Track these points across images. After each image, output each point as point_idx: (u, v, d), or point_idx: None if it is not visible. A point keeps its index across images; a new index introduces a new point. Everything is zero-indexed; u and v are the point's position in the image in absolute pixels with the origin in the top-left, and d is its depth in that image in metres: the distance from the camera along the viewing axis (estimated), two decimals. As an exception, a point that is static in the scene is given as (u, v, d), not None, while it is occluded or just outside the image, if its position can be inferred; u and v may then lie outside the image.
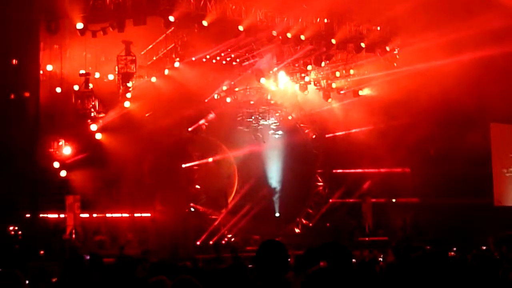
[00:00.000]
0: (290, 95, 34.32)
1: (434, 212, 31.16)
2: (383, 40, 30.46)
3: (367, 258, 17.83)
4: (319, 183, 35.39)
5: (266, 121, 34.48)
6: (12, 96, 25.05)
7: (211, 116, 32.34)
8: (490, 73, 28.22)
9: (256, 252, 6.32)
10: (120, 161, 28.97)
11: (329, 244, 6.25)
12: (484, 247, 23.58)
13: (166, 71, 29.07)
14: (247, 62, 32.33)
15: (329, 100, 33.93)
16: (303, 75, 33.38)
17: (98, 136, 28.19)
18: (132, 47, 27.85)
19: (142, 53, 29.51)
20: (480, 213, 29.86)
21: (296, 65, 32.55)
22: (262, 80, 32.08)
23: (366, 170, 34.35)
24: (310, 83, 33.51)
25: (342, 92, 33.82)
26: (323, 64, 31.79)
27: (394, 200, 34.41)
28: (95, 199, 28.48)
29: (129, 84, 28.36)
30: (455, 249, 23.14)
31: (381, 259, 18.61)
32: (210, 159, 32.91)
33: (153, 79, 29.48)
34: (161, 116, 29.96)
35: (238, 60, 32.16)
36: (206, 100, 32.14)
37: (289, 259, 6.59)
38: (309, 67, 32.09)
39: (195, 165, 32.17)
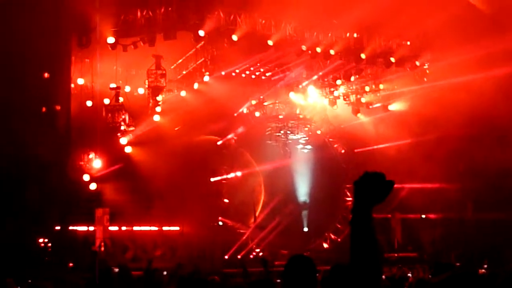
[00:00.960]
0: (319, 110, 34.35)
1: (464, 228, 30.84)
2: (413, 55, 30.36)
3: (396, 275, 17.71)
4: (348, 198, 35.10)
5: (295, 135, 34.51)
6: (44, 110, 25.24)
7: (240, 130, 32.47)
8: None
9: (285, 267, 6.29)
10: (149, 174, 29.05)
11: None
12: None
13: (196, 85, 29.24)
14: (276, 77, 32.45)
15: (359, 114, 33.79)
16: (332, 89, 33.38)
17: (128, 149, 28.40)
18: (162, 61, 28.05)
19: (172, 67, 29.80)
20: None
21: (326, 79, 32.59)
22: (291, 94, 32.22)
23: (395, 185, 34.04)
24: (340, 98, 33.53)
25: (371, 106, 33.72)
26: (352, 78, 31.78)
27: (423, 216, 34.10)
28: (124, 212, 28.54)
29: (159, 98, 28.52)
30: (485, 266, 22.87)
31: (410, 275, 18.47)
32: (239, 173, 32.95)
33: (183, 93, 29.67)
34: (190, 130, 30.26)
35: (267, 74, 32.29)
36: (235, 114, 32.36)
37: (317, 275, 6.56)
38: (339, 82, 32.14)
39: (223, 179, 32.30)
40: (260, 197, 34.35)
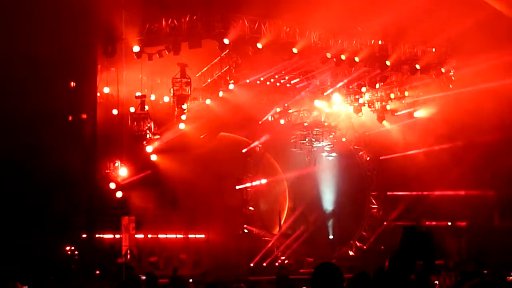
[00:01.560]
0: (344, 117, 34.35)
1: (490, 235, 30.58)
2: (438, 62, 30.16)
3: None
4: (373, 206, 35.06)
5: (320, 143, 34.28)
6: (70, 118, 25.51)
7: (265, 137, 32.61)
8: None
9: (312, 275, 6.30)
10: (175, 182, 29.42)
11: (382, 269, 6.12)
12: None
13: (221, 93, 29.38)
14: (301, 84, 32.53)
15: (384, 122, 33.67)
16: (357, 96, 33.31)
17: (154, 157, 28.56)
18: (187, 70, 28.02)
19: (197, 75, 29.91)
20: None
21: (350, 87, 32.52)
22: (316, 102, 32.23)
23: (421, 193, 33.90)
24: (365, 105, 33.43)
25: (397, 114, 33.52)
26: (377, 86, 31.66)
27: (449, 223, 33.87)
28: (150, 220, 28.79)
29: (184, 106, 28.50)
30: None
31: (437, 282, 18.33)
32: (264, 181, 32.99)
33: (208, 101, 29.83)
34: (215, 137, 30.31)
35: (292, 82, 32.36)
36: (260, 122, 32.54)
37: (344, 282, 6.55)
38: (363, 89, 32.06)
39: (249, 187, 32.34)
40: (285, 205, 34.35)
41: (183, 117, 28.82)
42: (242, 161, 32.35)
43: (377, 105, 33.44)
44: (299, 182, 33.92)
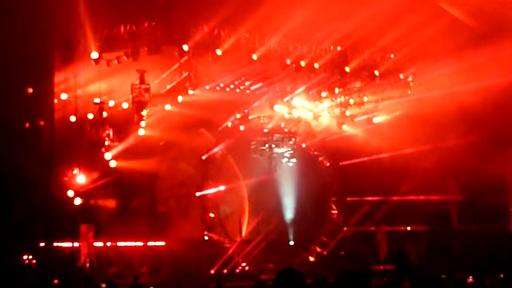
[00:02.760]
0: (304, 123, 34.43)
1: (449, 240, 31.00)
2: (397, 68, 30.55)
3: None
4: (333, 211, 35.14)
5: (280, 149, 34.43)
6: (27, 125, 25.23)
7: (225, 144, 32.53)
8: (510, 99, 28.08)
9: (274, 281, 6.35)
10: (134, 189, 29.42)
11: (348, 274, 6.20)
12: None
13: (180, 99, 29.11)
14: (261, 90, 32.54)
15: (344, 127, 33.86)
16: (316, 102, 33.49)
17: (113, 164, 28.32)
18: (146, 76, 27.94)
19: (156, 81, 29.60)
20: (497, 241, 29.56)
21: (310, 92, 32.63)
22: (276, 107, 32.26)
23: (381, 198, 34.19)
24: (324, 111, 33.63)
25: (356, 119, 33.70)
26: (336, 91, 31.90)
27: (408, 228, 34.22)
28: (109, 227, 28.67)
29: (143, 113, 28.39)
30: (471, 277, 23.01)
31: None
32: (223, 187, 32.84)
33: (167, 107, 29.56)
34: (175, 144, 30.36)
35: (252, 88, 32.35)
36: (220, 128, 32.40)
37: (305, 288, 6.61)
38: (323, 94, 32.23)
39: (209, 193, 32.18)
40: (246, 211, 34.28)
41: (143, 123, 28.62)
42: (203, 168, 32.18)
43: (337, 111, 33.59)
44: (260, 188, 33.88)
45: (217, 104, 30.85)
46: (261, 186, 33.90)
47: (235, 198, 33.99)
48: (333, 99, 33.18)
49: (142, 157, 29.00)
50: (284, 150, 34.85)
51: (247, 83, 31.84)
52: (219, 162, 32.84)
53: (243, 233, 33.59)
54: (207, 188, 32.05)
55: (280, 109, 32.69)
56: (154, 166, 30.11)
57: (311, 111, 33.78)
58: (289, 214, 35.01)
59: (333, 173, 35.32)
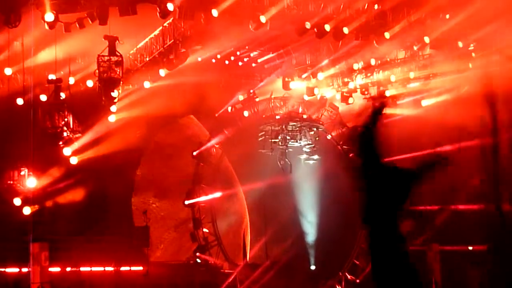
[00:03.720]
0: (329, 107, 34.82)
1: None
2: (454, 34, 30.30)
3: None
4: None
5: (297, 142, 34.54)
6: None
7: (223, 136, 32.91)
8: None
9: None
10: (103, 195, 29.93)
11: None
12: None
13: (162, 73, 29.11)
14: (271, 64, 32.53)
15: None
16: (346, 80, 33.47)
17: (74, 161, 28.48)
18: (118, 45, 27.85)
19: (131, 52, 29.84)
20: None
21: (337, 66, 32.54)
22: (292, 86, 32.25)
23: (433, 207, 34.15)
24: (356, 91, 33.58)
25: (399, 102, 33.78)
26: (373, 63, 31.78)
27: (470, 248, 34.20)
28: (70, 246, 28.75)
29: (114, 94, 28.41)
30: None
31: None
32: (219, 194, 33.12)
33: (146, 85, 29.67)
34: (156, 136, 31.12)
35: (259, 61, 32.53)
36: (216, 115, 32.75)
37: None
38: (355, 67, 32.12)
39: (202, 202, 32.42)
40: (251, 226, 34.73)
41: (113, 107, 28.99)
42: (193, 167, 32.43)
43: (373, 90, 33.48)
44: (270, 195, 34.10)
45: (212, 82, 31.31)
46: (272, 192, 34.07)
47: (237, 208, 34.46)
48: (368, 75, 33.16)
49: (113, 153, 29.42)
50: (302, 144, 35.01)
51: (253, 54, 31.97)
52: (215, 160, 33.17)
53: (248, 255, 33.79)
54: (199, 195, 32.38)
55: (297, 87, 32.85)
56: (128, 165, 30.75)
57: (339, 90, 33.85)
58: (309, 229, 35.44)
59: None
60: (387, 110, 8.00)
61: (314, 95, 33.84)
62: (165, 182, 31.99)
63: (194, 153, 32.23)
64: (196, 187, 32.37)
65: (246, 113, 33.55)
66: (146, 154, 32.06)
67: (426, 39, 29.79)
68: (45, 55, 27.91)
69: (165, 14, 25.40)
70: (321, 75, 32.55)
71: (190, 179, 32.56)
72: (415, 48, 30.91)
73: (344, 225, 34.55)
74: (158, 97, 30.38)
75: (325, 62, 31.97)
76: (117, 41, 27.74)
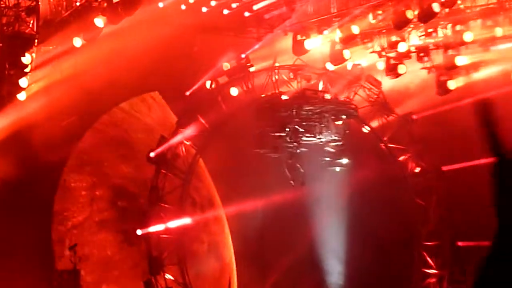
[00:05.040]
0: (365, 82, 34.46)
1: None
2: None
3: None
4: (429, 270, 35.11)
5: (315, 137, 33.73)
6: None
7: (197, 127, 32.38)
8: None
9: None
10: (9, 220, 30.02)
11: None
12: None
13: (100, 23, 28.41)
14: (273, 13, 31.92)
15: (448, 86, 33.00)
16: (394, 38, 32.51)
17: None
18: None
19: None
20: None
21: (380, 17, 31.64)
22: (308, 46, 31.36)
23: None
24: (410, 56, 32.81)
25: (474, 73, 33.22)
26: (437, 9, 30.58)
27: None
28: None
29: (26, 59, 28.16)
30: None
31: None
32: (190, 219, 32.63)
33: (77, 43, 29.10)
34: (93, 127, 31.29)
35: (255, 7, 31.71)
36: (187, 93, 32.29)
37: None
38: (409, 14, 30.94)
39: (163, 231, 31.89)
40: (241, 267, 34.61)
41: (24, 81, 28.47)
42: (149, 178, 31.93)
43: (439, 59, 32.92)
44: (272, 221, 34.34)
45: (182, 42, 31.11)
46: (276, 215, 34.22)
47: (218, 242, 34.51)
48: (430, 30, 32.53)
49: (25, 153, 30.04)
50: (324, 140, 34.27)
51: None
52: (184, 165, 32.64)
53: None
54: (158, 221, 31.95)
55: (316, 50, 31.99)
56: (49, 172, 31.05)
57: (383, 55, 33.12)
58: (335, 268, 35.64)
59: (428, 188, 35.09)
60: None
61: (343, 62, 32.81)
62: (105, 198, 31.71)
63: (151, 154, 31.63)
64: (154, 207, 31.76)
65: (234, 91, 33.12)
66: (78, 151, 32.33)
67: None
68: None
69: None
70: (355, 29, 31.59)
71: (144, 194, 32.33)
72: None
73: (389, 266, 35.31)
74: (96, 64, 30.23)
75: (360, 9, 31.04)
76: (30, -26, 27.65)
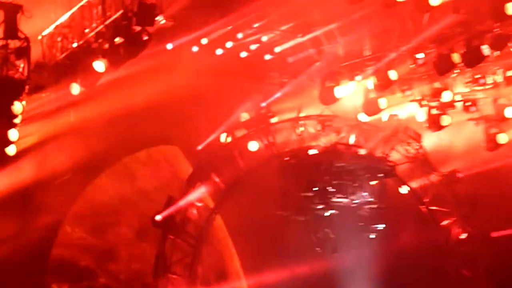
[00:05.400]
0: (404, 136, 34.64)
1: None
2: None
3: None
4: None
5: (347, 198, 33.61)
6: None
7: (211, 186, 32.01)
8: None
9: None
10: None
11: None
12: None
13: (100, 67, 27.67)
14: (299, 55, 31.80)
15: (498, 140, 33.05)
16: (437, 85, 32.14)
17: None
18: (23, 21, 27.02)
19: (46, 32, 29.39)
20: None
21: (413, 65, 31.21)
22: (338, 94, 30.71)
23: None
24: (454, 106, 32.53)
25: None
26: (487, 51, 29.98)
27: None
28: None
29: (16, 107, 27.13)
30: None
31: None
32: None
33: (74, 90, 28.46)
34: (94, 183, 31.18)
35: (277, 50, 31.86)
36: (199, 148, 32.29)
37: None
38: (455, 58, 30.35)
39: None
40: None
41: (14, 133, 27.60)
42: (155, 245, 31.73)
43: (489, 109, 32.73)
44: None
45: (193, 89, 30.81)
46: (301, 287, 33.93)
47: None
48: (478, 77, 32.14)
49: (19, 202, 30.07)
50: (358, 202, 34.00)
51: (267, 38, 31.44)
52: (195, 230, 32.33)
53: None
54: None
55: (347, 99, 31.52)
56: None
57: (424, 105, 32.79)
58: None
59: (475, 257, 34.79)
60: None
61: (378, 112, 32.42)
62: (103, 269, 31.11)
63: (158, 217, 31.05)
64: (160, 279, 31.41)
65: (253, 145, 33.15)
66: (72, 217, 32.04)
67: None
68: None
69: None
70: (392, 74, 31.06)
71: (150, 264, 31.89)
72: None
73: None
74: (95, 115, 30.48)
75: (398, 51, 30.52)
76: (21, 13, 27.02)
